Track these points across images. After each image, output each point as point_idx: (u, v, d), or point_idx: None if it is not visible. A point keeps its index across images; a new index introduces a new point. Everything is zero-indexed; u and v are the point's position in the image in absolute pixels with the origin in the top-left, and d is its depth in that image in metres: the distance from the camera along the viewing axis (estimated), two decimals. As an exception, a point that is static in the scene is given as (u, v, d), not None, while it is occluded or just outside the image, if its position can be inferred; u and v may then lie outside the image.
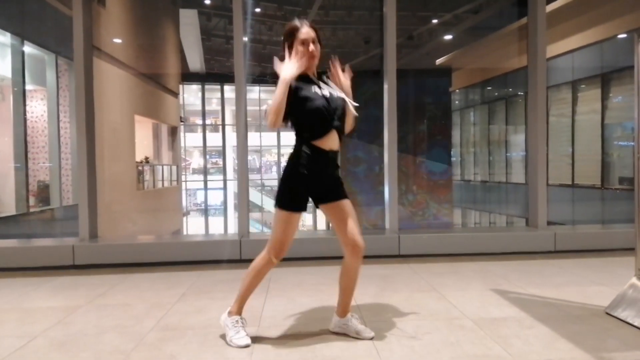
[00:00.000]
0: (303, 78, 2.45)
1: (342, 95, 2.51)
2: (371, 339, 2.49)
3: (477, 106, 13.17)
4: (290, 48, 2.45)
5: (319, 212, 2.59)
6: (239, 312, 2.58)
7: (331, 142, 2.45)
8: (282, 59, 2.44)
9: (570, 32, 9.53)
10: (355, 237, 2.47)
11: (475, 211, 12.29)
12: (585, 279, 3.69)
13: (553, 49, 9.40)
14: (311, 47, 2.43)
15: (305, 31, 2.44)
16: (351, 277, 2.56)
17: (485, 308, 3.00)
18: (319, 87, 2.47)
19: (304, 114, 2.42)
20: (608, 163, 9.08)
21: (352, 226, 2.48)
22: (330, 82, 2.55)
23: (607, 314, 2.83)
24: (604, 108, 9.07)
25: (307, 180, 2.44)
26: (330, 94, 2.47)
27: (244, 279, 2.58)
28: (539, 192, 4.93)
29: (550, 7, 6.26)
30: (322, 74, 2.58)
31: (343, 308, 2.60)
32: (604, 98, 9.07)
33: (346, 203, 2.51)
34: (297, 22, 2.47)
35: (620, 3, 8.37)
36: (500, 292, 3.33)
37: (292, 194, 2.45)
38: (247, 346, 2.44)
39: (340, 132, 2.49)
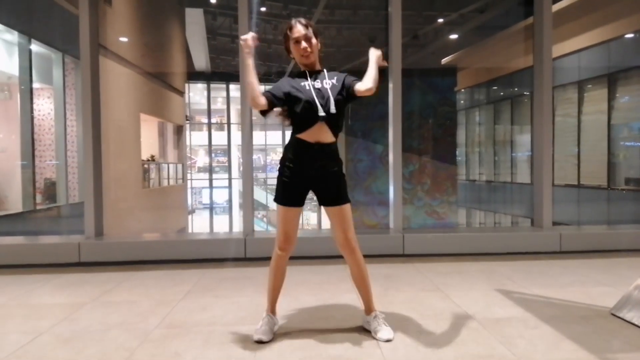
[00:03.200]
0: (300, 74, 2.52)
1: (338, 86, 2.49)
2: (387, 341, 2.46)
3: (483, 106, 13.12)
4: (289, 49, 2.54)
5: (324, 210, 2.61)
6: (270, 310, 2.62)
7: (317, 134, 2.46)
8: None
9: (577, 32, 9.47)
10: (347, 235, 2.52)
11: (480, 211, 12.25)
12: (591, 279, 3.67)
13: (559, 49, 9.35)
14: (303, 44, 2.46)
15: (297, 30, 2.47)
16: (356, 275, 2.60)
17: (489, 308, 3.00)
18: (313, 81, 2.49)
19: (293, 108, 2.47)
20: (614, 163, 9.02)
21: (346, 227, 2.53)
22: (331, 76, 2.54)
23: (613, 314, 2.82)
24: (610, 108, 9.01)
25: (295, 174, 2.48)
26: (323, 86, 2.48)
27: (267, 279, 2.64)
28: (544, 192, 4.91)
29: (556, 7, 6.24)
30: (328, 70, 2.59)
31: (365, 306, 2.64)
32: (611, 98, 9.01)
33: (345, 208, 2.54)
34: (291, 22, 2.51)
35: (627, 2, 8.31)
36: (504, 292, 3.32)
37: (284, 188, 2.51)
38: (258, 341, 2.46)
39: (333, 123, 2.48)
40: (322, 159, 2.51)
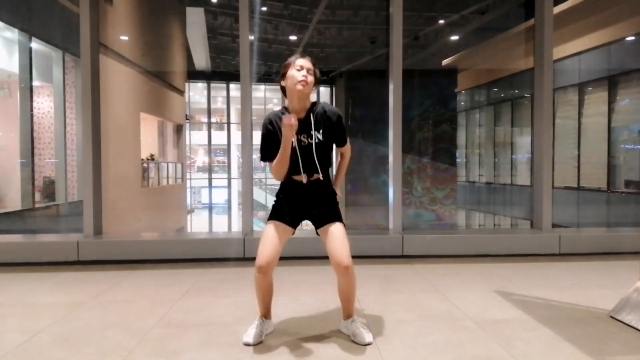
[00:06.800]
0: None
1: (318, 135, 2.50)
2: (366, 345, 2.44)
3: (483, 107, 13.13)
4: (283, 84, 2.51)
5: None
6: (262, 315, 2.61)
7: (302, 177, 2.52)
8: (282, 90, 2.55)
9: (578, 34, 9.48)
10: (340, 257, 2.44)
11: (480, 213, 12.25)
12: (590, 282, 3.67)
13: (560, 51, 9.36)
14: (304, 72, 2.45)
15: (303, 60, 2.49)
16: (344, 290, 2.55)
17: (488, 310, 3.00)
18: (300, 133, 2.48)
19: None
20: (614, 166, 9.03)
21: (338, 247, 2.46)
22: (320, 120, 2.51)
23: (611, 317, 2.82)
24: (610, 111, 9.02)
25: (284, 202, 2.58)
26: (310, 142, 2.49)
27: None
28: (544, 195, 4.91)
29: (557, 9, 6.23)
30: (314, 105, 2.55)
31: (344, 312, 2.61)
32: (611, 101, 9.02)
33: (334, 227, 2.50)
34: (296, 55, 2.52)
35: (628, 5, 8.32)
36: (503, 294, 3.32)
37: (273, 208, 2.62)
38: (246, 344, 2.45)
39: (316, 168, 2.51)
40: (318, 194, 2.56)
